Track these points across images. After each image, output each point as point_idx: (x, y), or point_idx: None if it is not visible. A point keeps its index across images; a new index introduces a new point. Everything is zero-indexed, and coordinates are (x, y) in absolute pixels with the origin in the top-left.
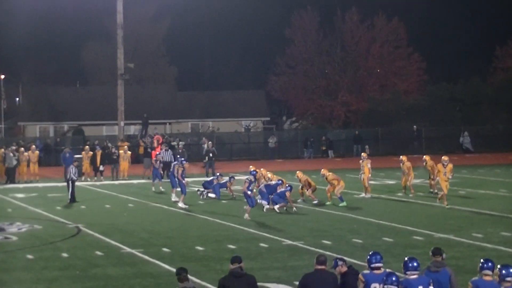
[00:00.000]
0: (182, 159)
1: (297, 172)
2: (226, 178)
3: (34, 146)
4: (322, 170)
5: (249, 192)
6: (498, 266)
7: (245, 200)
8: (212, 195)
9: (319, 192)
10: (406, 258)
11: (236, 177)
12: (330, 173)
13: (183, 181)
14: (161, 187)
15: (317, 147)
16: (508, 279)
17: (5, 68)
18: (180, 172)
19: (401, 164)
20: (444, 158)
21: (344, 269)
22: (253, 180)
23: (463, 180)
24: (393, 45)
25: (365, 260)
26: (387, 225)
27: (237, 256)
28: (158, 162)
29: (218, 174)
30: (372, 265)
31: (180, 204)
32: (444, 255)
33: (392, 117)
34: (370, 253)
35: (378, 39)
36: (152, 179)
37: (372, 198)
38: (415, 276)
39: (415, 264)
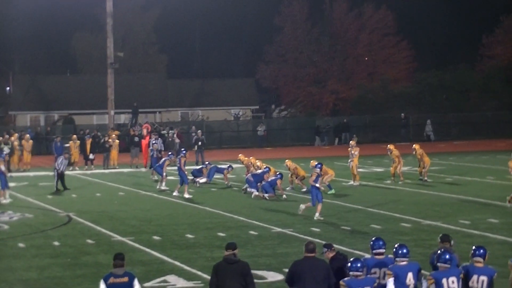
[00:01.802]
0: (183, 150)
1: (286, 160)
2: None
3: (27, 135)
4: (312, 162)
5: (316, 185)
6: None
7: (309, 194)
8: (203, 180)
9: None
10: (396, 245)
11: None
12: None
13: (185, 172)
14: (155, 176)
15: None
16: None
17: None
18: (183, 162)
19: (389, 153)
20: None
21: (331, 254)
22: (320, 173)
23: (450, 167)
24: (381, 33)
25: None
26: (376, 212)
27: (232, 242)
28: (155, 151)
29: (207, 162)
30: (375, 251)
31: (186, 195)
32: (452, 242)
33: (381, 104)
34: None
35: (367, 27)
36: (149, 167)
37: (360, 185)
38: (404, 263)
39: (404, 251)
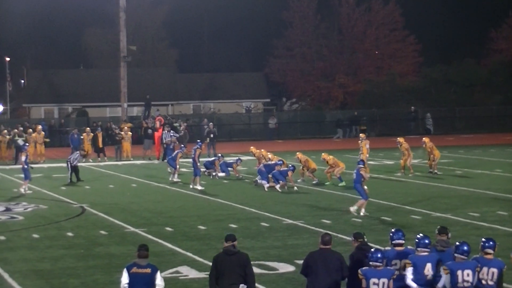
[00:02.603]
0: (199, 142)
1: (297, 153)
2: (228, 160)
3: (40, 127)
4: (323, 154)
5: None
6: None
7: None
8: (221, 174)
9: (319, 173)
10: (418, 236)
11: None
12: (331, 157)
13: (198, 164)
14: (168, 169)
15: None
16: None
17: (10, 51)
18: (198, 154)
19: (398, 146)
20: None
21: (356, 244)
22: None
23: (459, 160)
24: (389, 28)
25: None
26: (385, 204)
27: (231, 234)
28: (173, 143)
29: (219, 154)
30: (394, 242)
31: (198, 187)
32: (449, 234)
33: (387, 98)
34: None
35: (374, 22)
36: (162, 159)
37: (370, 178)
38: (425, 253)
39: (426, 241)
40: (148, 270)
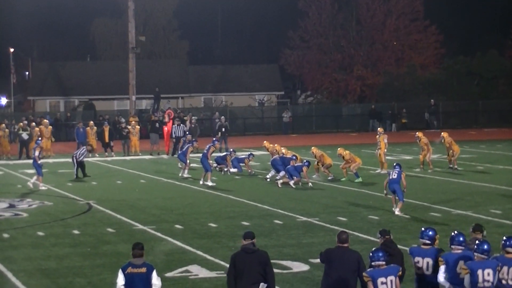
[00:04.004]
0: (215, 140)
1: (312, 147)
2: (240, 154)
3: (46, 121)
4: (339, 149)
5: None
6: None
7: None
8: (234, 170)
9: (335, 168)
10: (453, 233)
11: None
12: (347, 152)
13: (210, 161)
14: (179, 164)
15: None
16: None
17: (15, 42)
18: (211, 151)
19: (417, 141)
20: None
21: (381, 241)
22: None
23: (481, 155)
24: (409, 18)
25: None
26: (404, 201)
27: (249, 231)
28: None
29: (231, 149)
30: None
31: (208, 182)
32: (485, 232)
33: (408, 91)
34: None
35: (394, 12)
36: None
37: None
38: (459, 251)
39: (461, 239)
40: (144, 270)
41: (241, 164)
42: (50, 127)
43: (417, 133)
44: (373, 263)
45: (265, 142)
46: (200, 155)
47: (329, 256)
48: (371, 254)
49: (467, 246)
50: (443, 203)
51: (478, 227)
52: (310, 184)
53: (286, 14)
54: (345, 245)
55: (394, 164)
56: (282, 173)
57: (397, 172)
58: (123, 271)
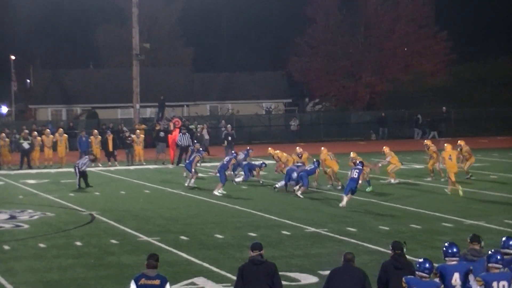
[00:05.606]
0: (234, 153)
1: (322, 147)
2: (242, 154)
3: (48, 130)
4: (352, 153)
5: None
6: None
7: None
8: (239, 179)
9: (344, 175)
10: (445, 244)
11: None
12: (359, 158)
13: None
14: (184, 173)
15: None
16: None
17: (16, 49)
18: (231, 164)
19: (426, 149)
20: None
21: (392, 253)
22: None
23: (493, 164)
24: (418, 23)
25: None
26: (415, 211)
27: (257, 242)
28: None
29: (233, 152)
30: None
31: (215, 192)
32: (482, 243)
33: (416, 98)
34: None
35: (403, 18)
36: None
37: (399, 183)
38: (454, 263)
39: (454, 250)
40: (157, 282)
41: (251, 170)
42: (52, 136)
43: (425, 141)
44: (417, 272)
45: (269, 149)
46: (216, 164)
47: (335, 274)
48: (418, 264)
49: (463, 256)
50: (455, 213)
51: (476, 237)
52: (315, 183)
53: (293, 20)
54: (351, 263)
55: (358, 162)
56: (293, 179)
57: (357, 172)
58: (136, 282)
